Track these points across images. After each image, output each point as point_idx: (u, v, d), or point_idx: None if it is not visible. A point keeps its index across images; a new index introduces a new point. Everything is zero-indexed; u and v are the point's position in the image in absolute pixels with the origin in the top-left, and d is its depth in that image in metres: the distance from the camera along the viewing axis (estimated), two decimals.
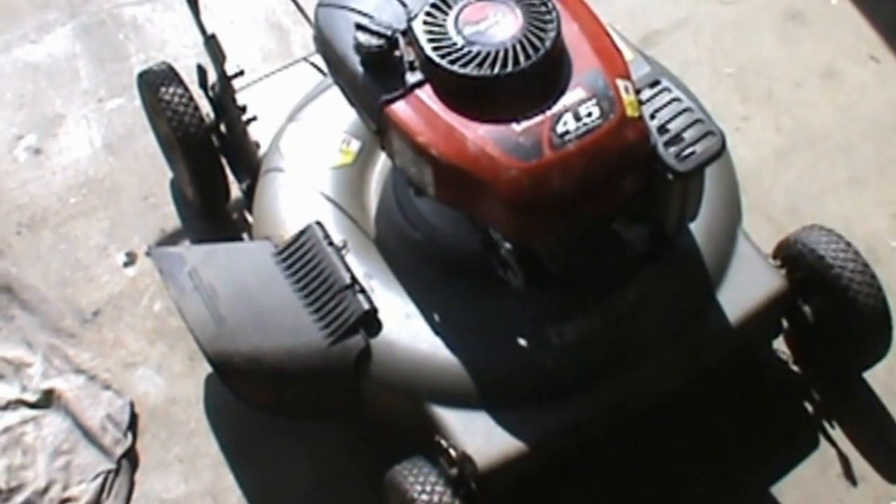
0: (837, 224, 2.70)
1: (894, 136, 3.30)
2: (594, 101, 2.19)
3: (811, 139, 3.30)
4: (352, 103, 2.42)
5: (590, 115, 2.17)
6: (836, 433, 2.70)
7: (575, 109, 2.18)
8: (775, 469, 2.65)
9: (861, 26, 3.57)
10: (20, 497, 2.70)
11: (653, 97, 2.31)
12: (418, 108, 2.22)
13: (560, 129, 2.16)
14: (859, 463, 2.66)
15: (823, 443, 2.69)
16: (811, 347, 2.71)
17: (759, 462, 2.66)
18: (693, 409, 2.66)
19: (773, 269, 2.57)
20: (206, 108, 2.99)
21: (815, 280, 2.56)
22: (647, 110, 2.28)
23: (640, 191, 2.27)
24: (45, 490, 2.71)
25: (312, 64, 3.00)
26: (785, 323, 2.68)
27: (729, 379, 2.69)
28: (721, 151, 2.25)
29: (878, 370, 2.71)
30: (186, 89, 2.98)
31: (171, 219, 3.23)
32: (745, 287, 2.52)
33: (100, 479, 2.72)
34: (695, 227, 2.50)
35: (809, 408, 2.75)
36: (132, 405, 2.85)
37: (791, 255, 2.60)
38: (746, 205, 2.72)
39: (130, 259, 3.15)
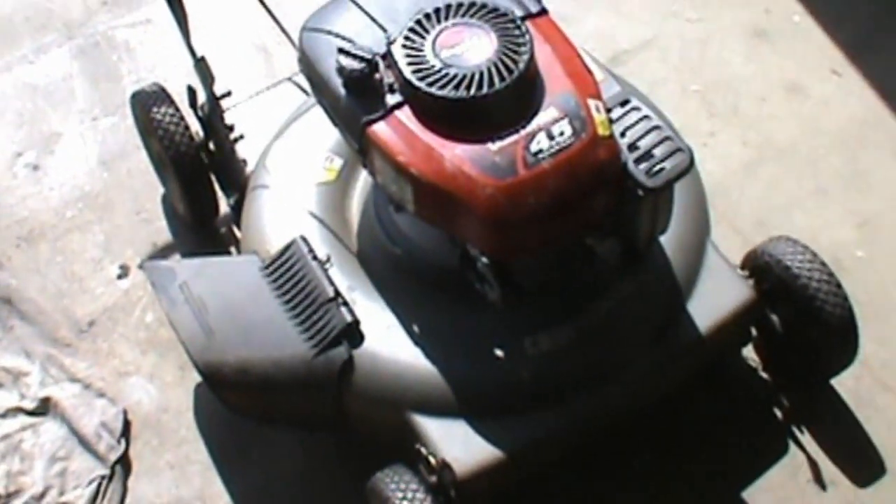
0: (804, 235, 2.67)
1: (858, 148, 3.25)
2: (566, 120, 2.16)
3: (777, 153, 3.26)
4: (335, 123, 2.40)
5: (562, 133, 2.15)
6: (806, 438, 2.66)
7: (548, 129, 2.15)
8: (746, 474, 2.61)
9: (823, 42, 3.54)
10: (18, 501, 2.69)
11: (623, 115, 2.29)
12: (398, 129, 2.20)
13: (534, 147, 2.14)
14: (828, 468, 2.62)
15: (793, 448, 2.65)
16: (780, 355, 2.68)
17: (730, 467, 2.63)
18: (664, 416, 2.61)
19: (742, 280, 2.54)
20: (195, 127, 2.97)
21: (783, 290, 2.53)
22: (617, 128, 2.26)
23: (612, 206, 2.24)
24: (42, 495, 2.70)
25: (296, 84, 2.98)
26: (754, 331, 2.64)
27: (699, 386, 2.64)
28: (690, 167, 2.23)
29: (846, 377, 2.67)
30: (177, 109, 2.97)
31: (162, 233, 3.20)
32: (715, 298, 2.49)
33: (94, 485, 2.71)
34: (665, 239, 2.47)
35: (779, 414, 2.71)
36: (125, 413, 2.83)
37: (759, 266, 2.57)
38: (715, 218, 2.68)
39: (124, 272, 3.13)
